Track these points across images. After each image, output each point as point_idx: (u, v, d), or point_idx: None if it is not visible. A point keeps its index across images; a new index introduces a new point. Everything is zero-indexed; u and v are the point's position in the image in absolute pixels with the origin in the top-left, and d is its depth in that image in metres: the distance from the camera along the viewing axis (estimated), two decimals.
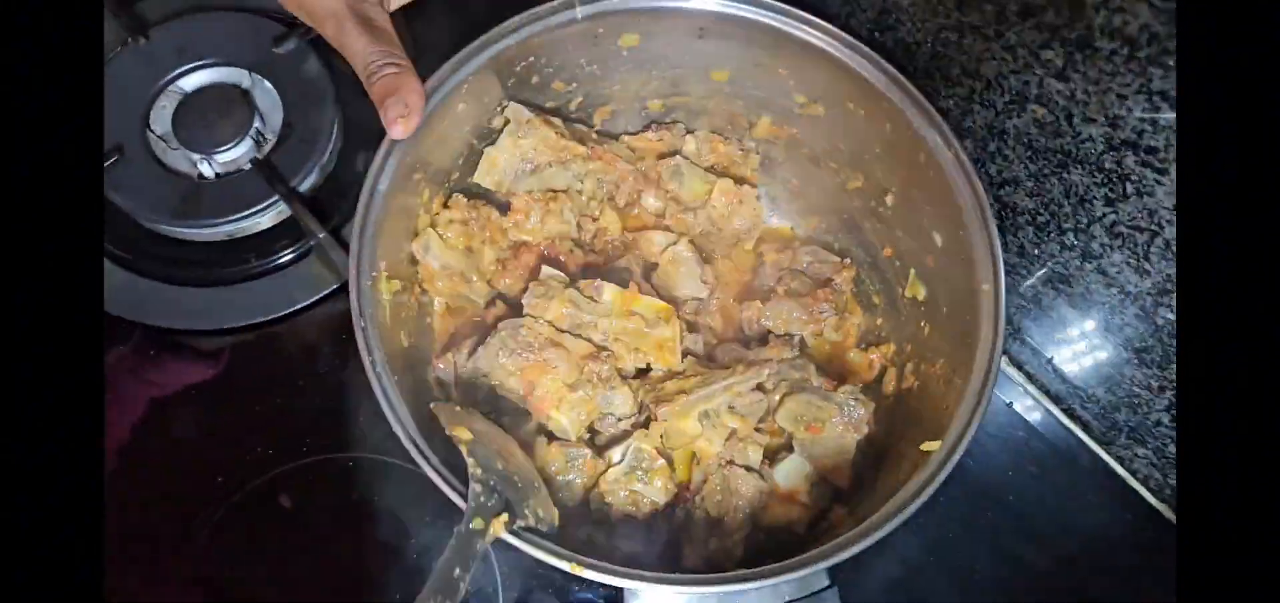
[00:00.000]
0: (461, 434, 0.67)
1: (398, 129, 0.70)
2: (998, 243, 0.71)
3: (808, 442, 0.79)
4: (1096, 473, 0.92)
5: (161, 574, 0.79)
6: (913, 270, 0.82)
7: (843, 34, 0.76)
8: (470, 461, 0.65)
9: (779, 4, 0.77)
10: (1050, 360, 0.91)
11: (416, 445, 0.65)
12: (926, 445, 0.70)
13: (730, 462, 0.77)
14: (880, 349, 0.87)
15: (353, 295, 0.69)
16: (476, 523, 0.62)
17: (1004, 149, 0.76)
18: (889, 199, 0.83)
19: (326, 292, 0.91)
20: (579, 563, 0.62)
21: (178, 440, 0.85)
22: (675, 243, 0.89)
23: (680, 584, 0.62)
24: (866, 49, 0.75)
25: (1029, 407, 0.94)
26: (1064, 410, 0.93)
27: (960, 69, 0.74)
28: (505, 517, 0.63)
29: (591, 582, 0.62)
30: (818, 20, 0.77)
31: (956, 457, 0.66)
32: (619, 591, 0.69)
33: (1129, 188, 0.68)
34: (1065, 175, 0.72)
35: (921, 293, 0.81)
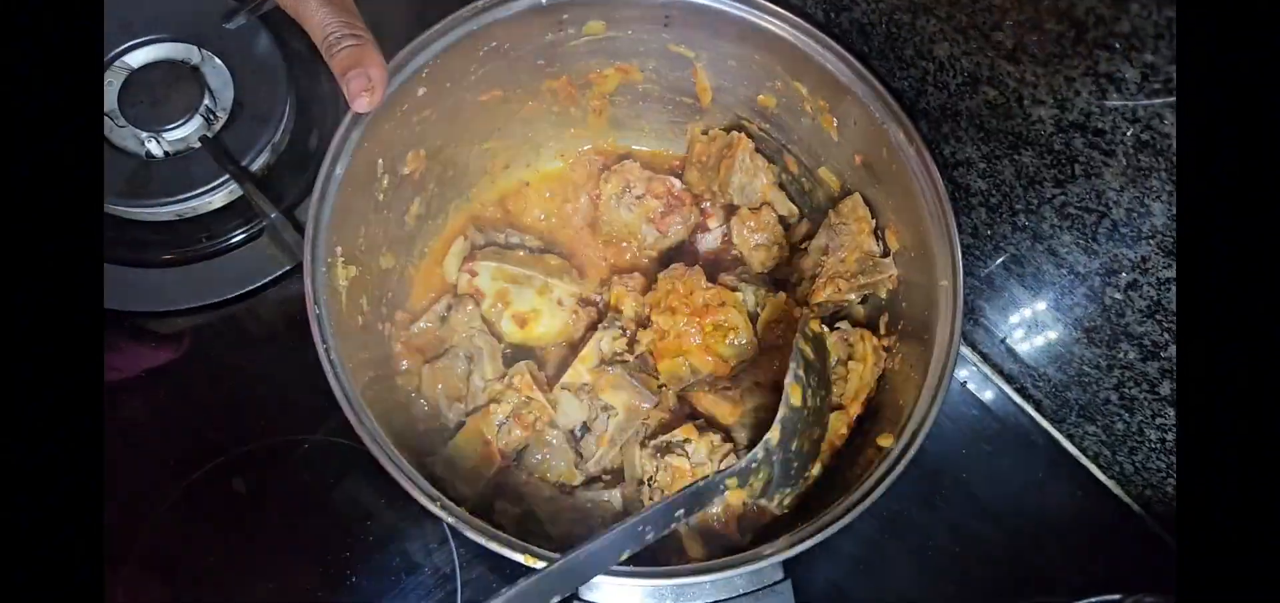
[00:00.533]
0: (794, 396, 0.71)
1: (362, 102, 0.69)
2: (958, 241, 0.71)
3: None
4: (1048, 450, 0.94)
5: (115, 557, 0.78)
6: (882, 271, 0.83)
7: (805, 23, 0.77)
8: (777, 429, 0.69)
9: None
10: (1003, 341, 0.92)
11: (372, 436, 0.65)
12: (882, 440, 0.71)
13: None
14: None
15: (308, 283, 0.68)
16: (731, 483, 0.67)
17: (957, 130, 0.77)
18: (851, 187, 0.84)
19: (280, 272, 0.90)
20: (533, 555, 0.61)
21: (128, 424, 0.84)
22: None
23: (635, 577, 0.62)
24: (829, 40, 0.76)
25: (982, 386, 0.95)
26: (1016, 389, 0.95)
27: (914, 50, 0.75)
28: (744, 492, 0.68)
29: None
30: (778, 8, 0.77)
31: (912, 452, 0.67)
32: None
33: (1077, 169, 0.69)
34: (1016, 157, 0.73)
35: (884, 290, 0.82)
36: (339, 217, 0.71)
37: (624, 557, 0.60)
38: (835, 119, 0.80)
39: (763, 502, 0.73)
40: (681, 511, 0.63)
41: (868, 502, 0.66)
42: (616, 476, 0.81)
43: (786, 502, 0.74)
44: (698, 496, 0.65)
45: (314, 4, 0.69)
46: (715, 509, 0.78)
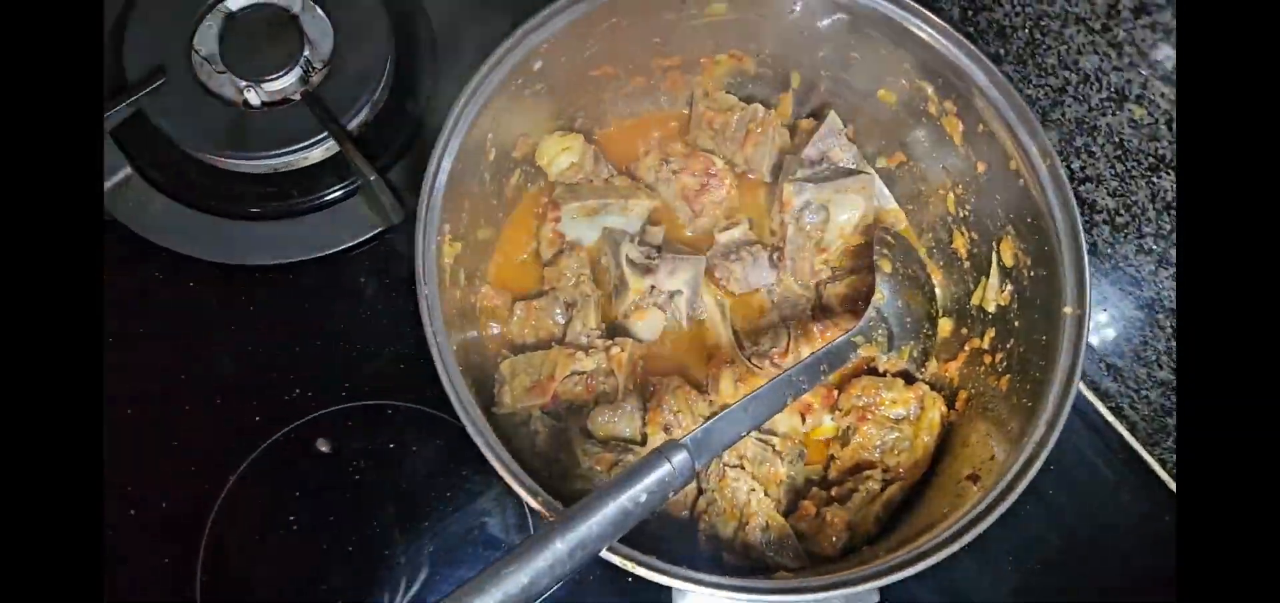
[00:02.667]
0: (884, 266, 0.81)
1: None
2: (1088, 269, 0.69)
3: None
4: (1136, 472, 0.92)
5: (201, 511, 0.78)
6: (985, 280, 0.81)
7: (941, 22, 0.74)
8: (880, 291, 0.79)
9: None
10: (1102, 359, 0.90)
11: (469, 416, 0.64)
12: (978, 469, 0.70)
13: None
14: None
15: (418, 262, 0.67)
16: (859, 340, 0.76)
17: (1091, 146, 0.74)
18: (970, 199, 0.82)
19: (372, 234, 0.88)
20: (634, 561, 0.60)
21: (215, 376, 0.84)
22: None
23: (732, 590, 0.61)
24: (967, 42, 0.73)
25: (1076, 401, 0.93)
26: (1110, 408, 0.93)
27: (1057, 59, 0.71)
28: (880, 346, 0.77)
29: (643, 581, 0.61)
30: (915, 4, 0.74)
31: (1022, 486, 0.66)
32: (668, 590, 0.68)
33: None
34: (1155, 180, 0.70)
35: (992, 304, 0.80)
36: (449, 195, 0.70)
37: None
38: (961, 124, 0.77)
39: (891, 358, 0.80)
40: (825, 366, 0.71)
41: (971, 534, 0.65)
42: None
43: (917, 354, 0.82)
44: (834, 353, 0.73)
45: None
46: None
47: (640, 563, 0.60)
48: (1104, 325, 0.87)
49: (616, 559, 0.60)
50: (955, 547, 0.64)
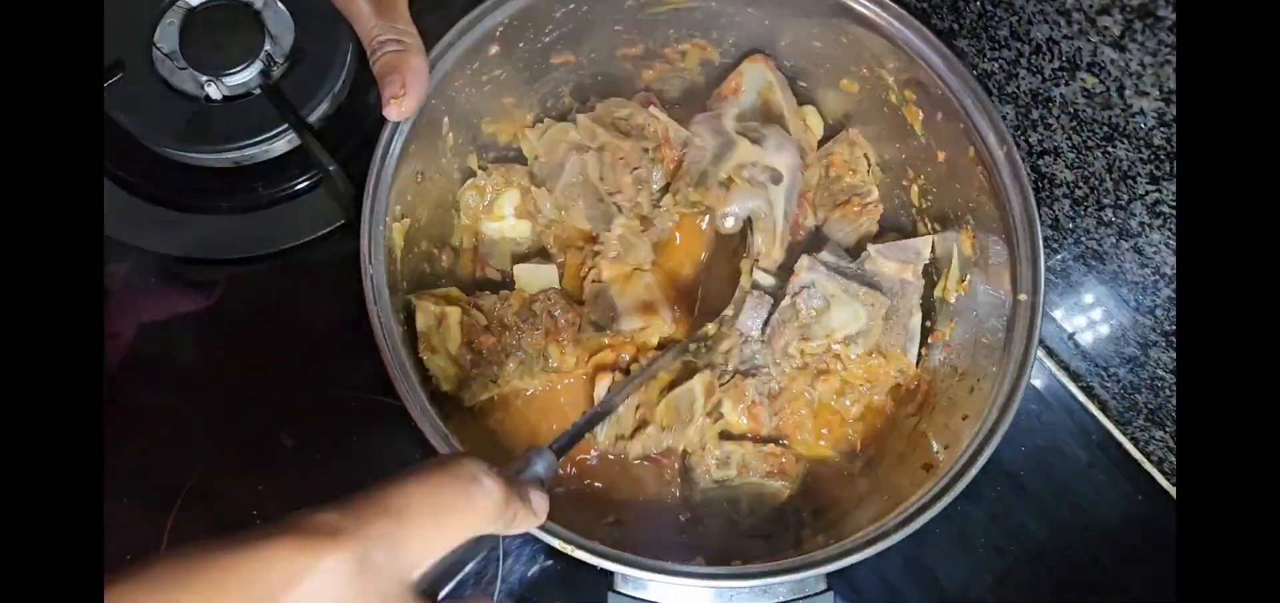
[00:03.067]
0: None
1: (392, 111, 0.67)
2: (1042, 257, 0.69)
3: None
4: (1108, 451, 0.91)
5: (164, 504, 0.78)
6: (947, 271, 0.81)
7: (899, 9, 0.74)
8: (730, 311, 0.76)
9: None
10: (1071, 336, 0.89)
11: (419, 403, 0.65)
12: (930, 457, 0.70)
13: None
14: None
15: (363, 241, 0.67)
16: (693, 348, 0.76)
17: (1047, 117, 0.73)
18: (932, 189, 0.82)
19: (336, 225, 0.88)
20: (576, 545, 0.61)
21: (177, 373, 0.83)
22: None
23: (676, 576, 0.61)
24: (926, 30, 0.73)
25: (1043, 380, 0.93)
26: (1081, 387, 0.92)
27: (1009, 31, 0.71)
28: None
29: (586, 564, 0.61)
30: None
31: (972, 473, 0.66)
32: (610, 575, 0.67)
33: (1176, 167, 0.65)
34: (1110, 149, 0.70)
35: (953, 295, 0.80)
36: (401, 176, 0.70)
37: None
38: (921, 112, 0.77)
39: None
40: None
41: (920, 521, 0.65)
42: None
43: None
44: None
45: (362, 5, 0.67)
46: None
47: (579, 546, 0.60)
48: (1071, 304, 0.86)
49: (554, 542, 0.60)
50: (901, 535, 0.64)
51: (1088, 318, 0.86)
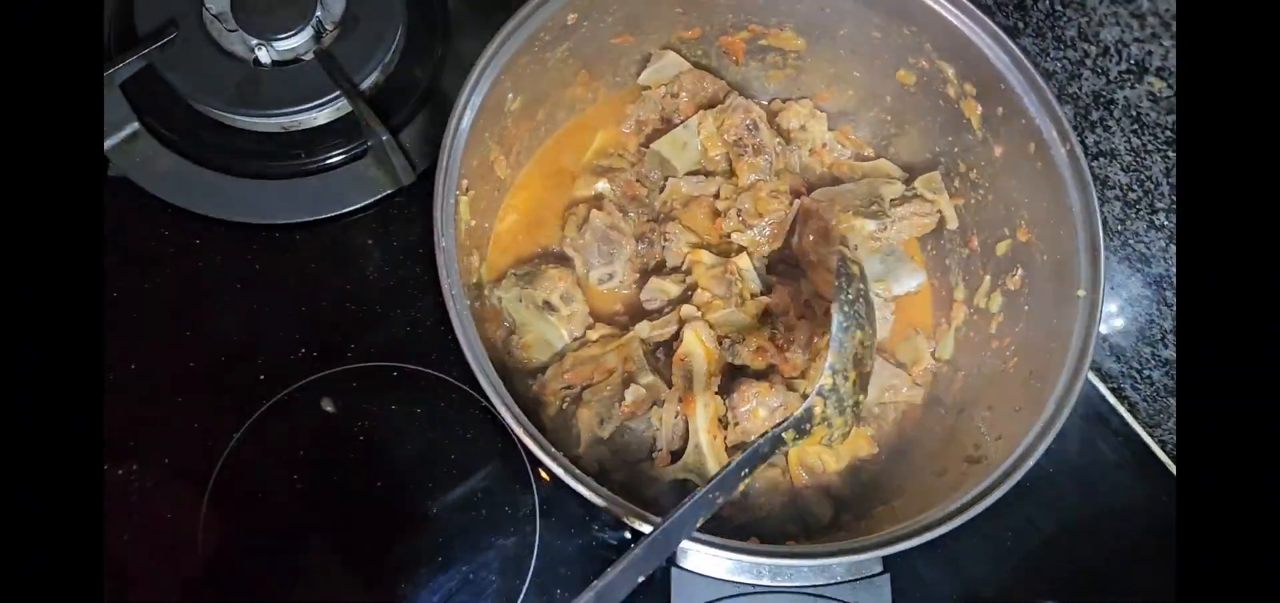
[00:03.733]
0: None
1: None
2: (1103, 253, 0.70)
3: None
4: (1136, 453, 0.92)
5: (204, 468, 0.77)
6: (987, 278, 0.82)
7: (966, 2, 0.74)
8: (829, 376, 0.65)
9: None
10: (1106, 338, 0.90)
11: (486, 377, 0.63)
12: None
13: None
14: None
15: (437, 213, 0.66)
16: (789, 435, 0.63)
17: (1108, 120, 0.74)
18: (982, 181, 0.82)
19: (379, 196, 0.88)
20: (640, 516, 0.61)
21: (220, 335, 0.83)
22: None
23: (734, 551, 0.62)
24: (989, 21, 0.73)
25: None
26: (1112, 389, 0.93)
27: (1077, 31, 0.72)
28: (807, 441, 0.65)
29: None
30: None
31: (1030, 463, 0.66)
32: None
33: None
34: (1170, 154, 0.71)
35: (996, 303, 0.81)
36: (469, 151, 0.70)
37: (700, 523, 0.58)
38: (980, 106, 0.78)
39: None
40: (746, 471, 0.61)
41: (979, 508, 0.66)
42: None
43: (838, 436, 0.70)
44: (757, 455, 0.62)
45: None
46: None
47: (639, 516, 0.61)
48: (1109, 306, 0.87)
49: (629, 519, 0.61)
50: (958, 521, 0.65)
51: (1126, 320, 0.87)
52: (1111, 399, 0.94)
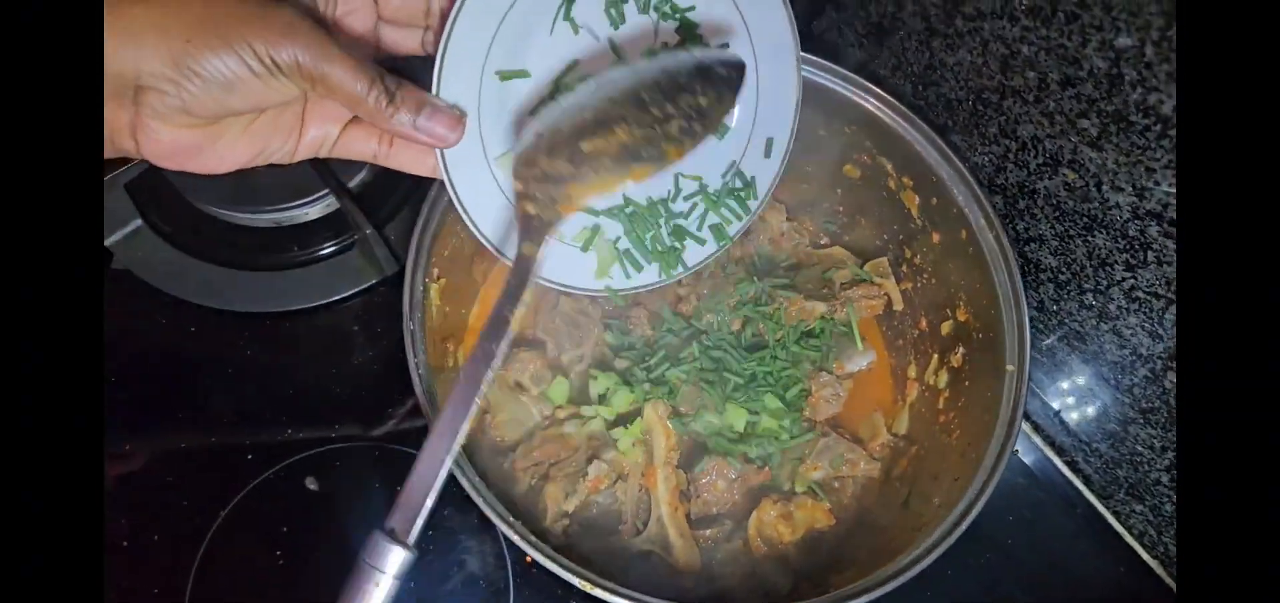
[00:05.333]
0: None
1: (457, 132, 0.60)
2: (1028, 330, 0.75)
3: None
4: (1093, 525, 0.96)
5: (192, 542, 0.81)
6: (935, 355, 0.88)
7: (897, 103, 0.81)
8: (517, 182, 0.62)
9: (834, 66, 0.81)
10: (1057, 413, 0.95)
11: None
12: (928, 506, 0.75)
13: None
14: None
15: (406, 298, 0.72)
16: (527, 248, 0.62)
17: (1032, 208, 0.80)
18: (925, 265, 0.88)
19: (364, 286, 0.94)
20: (599, 584, 0.65)
21: (211, 416, 0.88)
22: None
23: None
24: (921, 122, 0.80)
25: (1031, 454, 0.98)
26: (1067, 462, 0.97)
27: (998, 128, 0.78)
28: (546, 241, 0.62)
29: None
30: (873, 87, 0.82)
31: (961, 528, 0.71)
32: None
33: (1150, 255, 0.72)
34: (1089, 238, 0.76)
35: (944, 373, 0.86)
36: (439, 243, 0.76)
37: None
38: (918, 197, 0.84)
39: None
40: (507, 308, 0.60)
41: (909, 574, 0.70)
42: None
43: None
44: (511, 285, 0.61)
45: (339, 66, 0.54)
46: None
47: (606, 588, 0.64)
48: (1057, 383, 0.92)
49: (578, 582, 0.64)
50: (893, 585, 0.69)
51: (1072, 396, 0.91)
52: (1067, 472, 0.97)
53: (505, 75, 0.63)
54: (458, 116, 0.60)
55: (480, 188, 0.66)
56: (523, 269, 0.61)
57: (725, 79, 0.63)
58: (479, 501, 0.66)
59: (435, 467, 0.57)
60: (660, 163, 0.62)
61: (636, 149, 0.61)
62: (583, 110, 0.61)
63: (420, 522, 0.57)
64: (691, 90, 0.62)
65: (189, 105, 0.51)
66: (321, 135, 0.61)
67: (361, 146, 0.63)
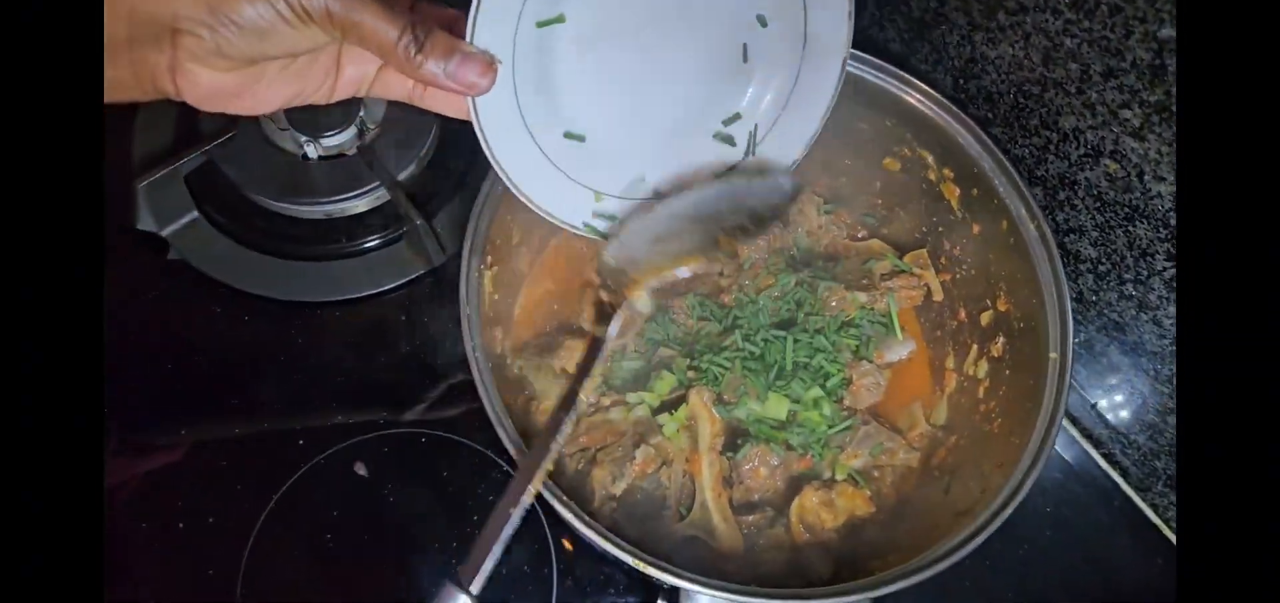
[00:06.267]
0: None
1: (488, 79, 0.59)
2: (1070, 319, 0.76)
3: None
4: (1130, 517, 0.96)
5: (243, 528, 0.83)
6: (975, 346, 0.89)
7: (939, 96, 0.82)
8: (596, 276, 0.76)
9: (876, 60, 0.83)
10: (1094, 405, 0.95)
11: (507, 435, 0.70)
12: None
13: None
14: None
15: (462, 289, 0.73)
16: (598, 329, 0.73)
17: (1073, 199, 0.81)
18: (964, 257, 0.89)
19: (412, 276, 0.96)
20: (654, 564, 0.66)
21: (264, 403, 0.90)
22: None
23: (729, 592, 0.66)
24: (962, 114, 0.81)
25: (1067, 447, 0.98)
26: (1103, 454, 0.97)
27: (1039, 120, 0.80)
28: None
29: (636, 577, 0.67)
30: (914, 80, 0.83)
31: (1003, 516, 0.72)
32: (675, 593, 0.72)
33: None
34: (1130, 228, 0.77)
35: (983, 370, 0.87)
36: (493, 230, 0.78)
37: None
38: (958, 189, 0.85)
39: None
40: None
41: (959, 555, 0.71)
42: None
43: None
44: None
45: (369, 14, 0.54)
46: None
47: (654, 565, 0.66)
48: (1094, 375, 0.93)
49: (629, 559, 0.66)
50: (940, 567, 0.70)
51: (1110, 387, 0.92)
52: (1104, 464, 0.98)
53: (542, 23, 0.63)
54: (489, 63, 0.58)
55: (509, 133, 0.66)
56: (595, 348, 0.72)
57: (781, 199, 0.78)
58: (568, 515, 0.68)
59: (502, 522, 0.64)
60: (713, 251, 0.75)
61: (696, 245, 0.74)
62: (655, 223, 0.74)
63: (486, 570, 0.63)
64: (750, 196, 0.76)
65: (224, 50, 0.52)
66: (359, 75, 0.62)
67: (397, 87, 0.64)
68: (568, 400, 0.69)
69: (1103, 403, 0.95)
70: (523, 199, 0.69)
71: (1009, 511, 0.71)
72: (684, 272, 0.74)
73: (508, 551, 0.84)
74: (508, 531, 0.63)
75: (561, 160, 0.71)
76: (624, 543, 0.66)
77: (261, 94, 0.58)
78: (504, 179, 0.67)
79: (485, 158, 0.66)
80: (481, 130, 0.63)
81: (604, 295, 0.74)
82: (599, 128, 0.72)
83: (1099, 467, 0.98)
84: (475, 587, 0.61)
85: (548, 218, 0.71)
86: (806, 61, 0.74)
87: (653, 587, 0.83)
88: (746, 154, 0.78)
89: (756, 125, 0.77)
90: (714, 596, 0.66)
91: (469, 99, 0.61)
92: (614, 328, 0.72)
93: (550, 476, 0.69)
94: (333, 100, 0.63)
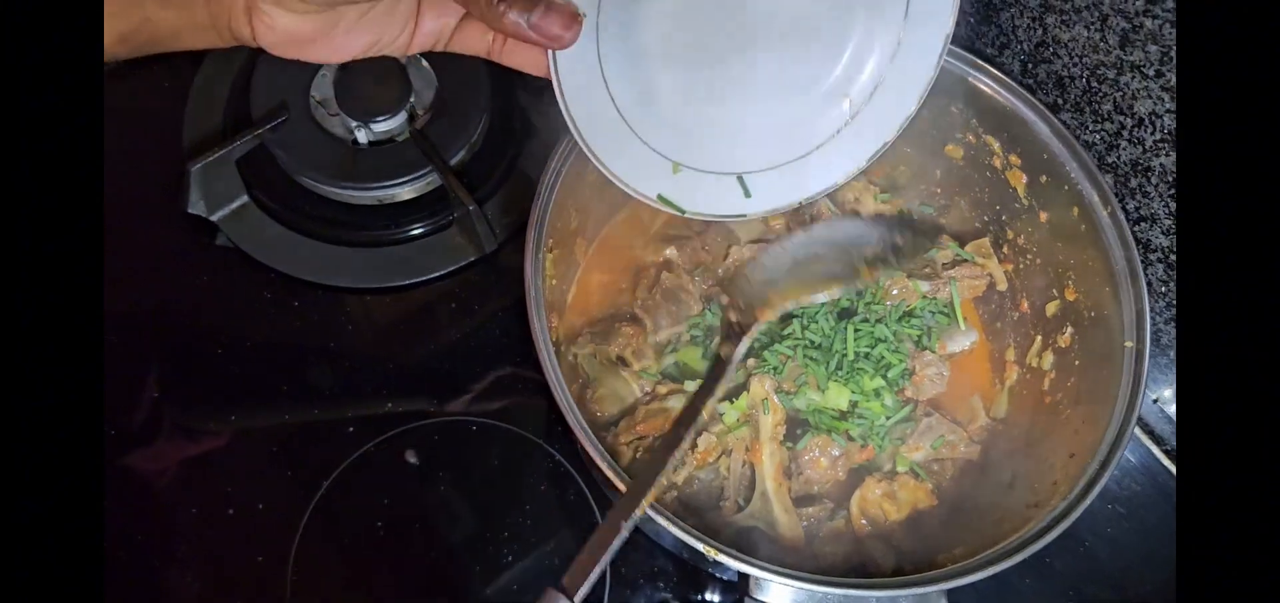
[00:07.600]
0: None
1: (572, 32, 0.54)
2: (1147, 305, 0.74)
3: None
4: None
5: (293, 517, 0.82)
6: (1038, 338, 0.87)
7: (1007, 80, 0.81)
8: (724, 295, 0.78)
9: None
10: (1155, 400, 0.93)
11: (576, 418, 0.69)
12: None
13: None
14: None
15: (528, 269, 0.72)
16: (725, 349, 0.73)
17: (1146, 186, 0.79)
18: (1029, 246, 0.87)
19: (462, 263, 0.95)
20: (713, 547, 0.64)
21: (315, 389, 0.89)
22: None
23: (799, 580, 0.65)
24: (1031, 97, 0.79)
25: (1130, 445, 0.95)
26: (1164, 451, 0.95)
27: (1113, 105, 0.78)
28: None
29: (712, 567, 0.66)
30: (982, 63, 0.81)
31: (1077, 513, 0.70)
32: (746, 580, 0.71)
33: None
34: None
35: (1050, 354, 0.85)
36: (553, 214, 0.77)
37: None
38: (1025, 176, 0.84)
39: None
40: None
41: (1039, 544, 0.69)
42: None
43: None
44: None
45: None
46: None
47: (724, 552, 0.64)
48: (1160, 367, 0.91)
49: (701, 546, 0.64)
50: (1018, 558, 0.68)
51: (1175, 382, 0.90)
52: (1167, 462, 0.96)
53: None
54: (573, 15, 0.54)
55: (588, 93, 0.63)
56: (720, 367, 0.72)
57: (923, 234, 0.82)
58: (603, 465, 0.66)
59: (612, 535, 0.62)
60: (853, 281, 0.77)
61: (835, 272, 0.76)
62: (796, 247, 0.78)
63: (590, 581, 0.60)
64: (893, 228, 0.79)
65: None
66: (438, 28, 0.60)
67: (476, 42, 0.62)
68: (689, 416, 0.69)
69: (1165, 399, 0.92)
70: (597, 164, 0.67)
71: (1088, 500, 0.69)
72: (821, 297, 0.76)
73: (558, 538, 0.85)
74: (616, 543, 0.62)
75: (640, 126, 0.67)
76: (701, 534, 0.65)
77: (338, 41, 0.57)
78: (579, 141, 0.64)
79: (546, 136, 0.65)
80: (560, 87, 0.60)
81: (732, 315, 0.75)
82: (682, 94, 0.69)
83: (1161, 464, 0.96)
84: (578, 597, 0.59)
85: (621, 186, 0.69)
86: (908, 31, 0.71)
87: (701, 581, 0.82)
88: (837, 131, 0.76)
89: (850, 100, 0.75)
90: (788, 584, 0.65)
91: (549, 54, 0.58)
92: (742, 348, 0.72)
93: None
94: (410, 53, 0.61)
